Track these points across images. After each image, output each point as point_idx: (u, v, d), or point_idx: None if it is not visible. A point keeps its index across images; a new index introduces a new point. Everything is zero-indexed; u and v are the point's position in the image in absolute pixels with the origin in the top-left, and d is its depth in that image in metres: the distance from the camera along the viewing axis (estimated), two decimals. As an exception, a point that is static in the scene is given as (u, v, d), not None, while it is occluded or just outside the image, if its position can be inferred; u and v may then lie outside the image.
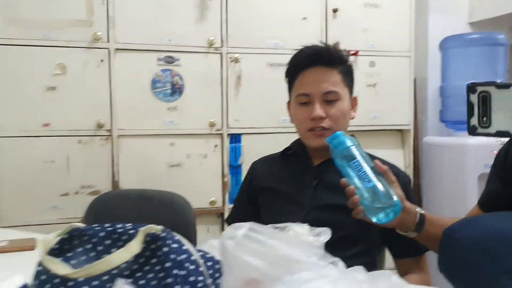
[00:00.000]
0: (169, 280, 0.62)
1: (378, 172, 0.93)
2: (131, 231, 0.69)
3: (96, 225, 0.71)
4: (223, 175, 2.04)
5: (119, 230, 0.70)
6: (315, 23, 2.12)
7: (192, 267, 0.66)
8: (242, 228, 0.56)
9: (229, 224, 1.46)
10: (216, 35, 1.99)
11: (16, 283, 0.42)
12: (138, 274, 0.65)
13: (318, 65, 1.24)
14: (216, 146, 2.03)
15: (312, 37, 2.01)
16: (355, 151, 0.95)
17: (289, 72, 1.32)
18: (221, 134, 2.03)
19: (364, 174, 0.91)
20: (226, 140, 2.03)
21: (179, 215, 1.71)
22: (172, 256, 0.64)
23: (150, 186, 1.88)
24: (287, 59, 1.99)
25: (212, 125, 2.01)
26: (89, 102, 1.85)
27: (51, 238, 0.68)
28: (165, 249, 0.64)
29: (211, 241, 0.91)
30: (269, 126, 2.08)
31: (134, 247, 0.64)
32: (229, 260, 0.54)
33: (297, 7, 2.09)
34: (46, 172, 1.81)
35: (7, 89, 1.77)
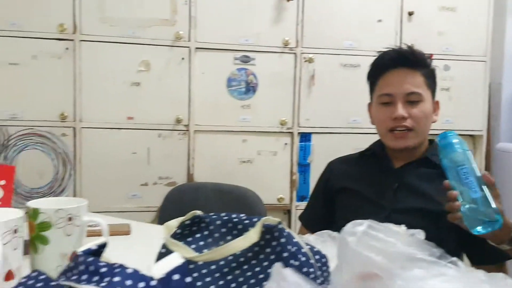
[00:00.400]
0: (287, 269, 0.66)
1: (484, 183, 0.92)
2: (246, 221, 0.75)
3: (212, 213, 0.77)
4: (291, 173, 2.08)
5: (234, 220, 0.75)
6: (390, 25, 2.12)
7: (303, 258, 0.70)
8: (362, 225, 0.60)
9: (302, 221, 1.50)
10: (292, 36, 2.03)
11: (173, 263, 0.48)
12: (253, 262, 0.70)
13: (401, 66, 1.25)
14: (286, 144, 2.07)
15: (387, 39, 2.02)
16: (465, 157, 0.94)
17: (371, 74, 1.33)
18: (291, 132, 2.07)
19: (471, 183, 0.90)
20: (296, 139, 2.07)
21: (251, 209, 1.77)
22: (289, 247, 0.68)
23: (222, 180, 1.95)
24: (360, 60, 2.05)
25: (283, 123, 2.05)
26: (169, 98, 1.95)
27: (174, 223, 0.75)
28: (283, 240, 0.68)
29: (306, 236, 0.96)
30: (339, 126, 2.10)
31: (252, 236, 0.69)
32: (349, 255, 0.58)
33: (373, 9, 2.10)
34: (128, 162, 1.92)
35: (95, 83, 1.89)
